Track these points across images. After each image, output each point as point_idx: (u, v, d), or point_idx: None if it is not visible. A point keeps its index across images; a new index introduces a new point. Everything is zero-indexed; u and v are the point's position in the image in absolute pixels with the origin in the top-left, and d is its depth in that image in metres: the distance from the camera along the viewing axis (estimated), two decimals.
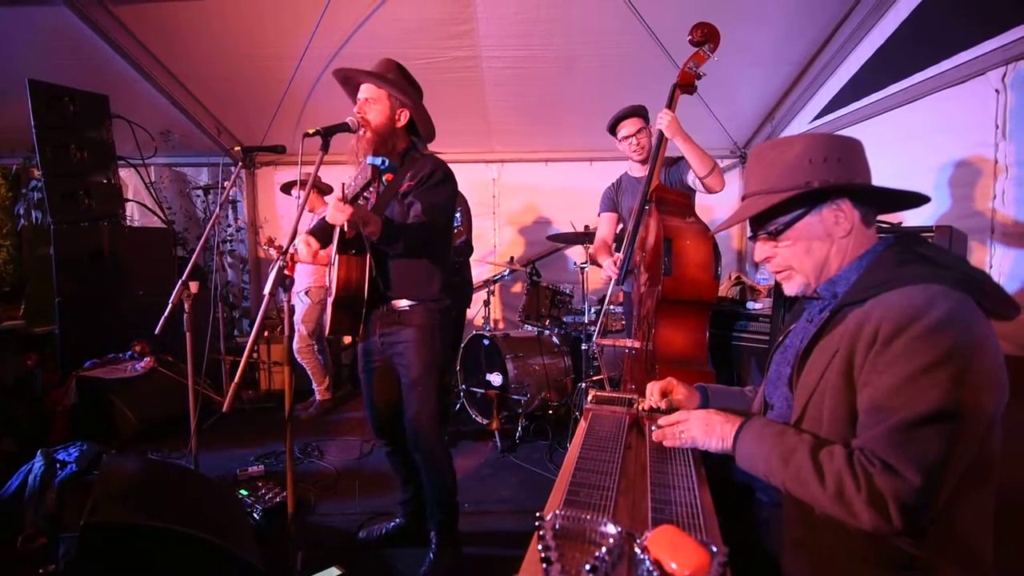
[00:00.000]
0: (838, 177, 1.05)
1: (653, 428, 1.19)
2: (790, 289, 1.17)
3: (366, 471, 2.60)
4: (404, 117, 1.99)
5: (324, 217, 2.21)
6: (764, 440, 1.03)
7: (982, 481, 0.93)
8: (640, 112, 2.73)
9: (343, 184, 1.86)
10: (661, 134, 2.44)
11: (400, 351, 2.01)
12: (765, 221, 1.14)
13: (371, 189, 1.99)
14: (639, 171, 2.83)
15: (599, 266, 2.92)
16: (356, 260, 1.93)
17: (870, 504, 0.86)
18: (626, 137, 2.72)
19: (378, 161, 1.71)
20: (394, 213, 1.97)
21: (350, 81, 2.03)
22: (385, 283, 2.00)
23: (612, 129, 2.77)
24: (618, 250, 2.76)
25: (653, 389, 1.41)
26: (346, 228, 1.75)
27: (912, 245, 1.05)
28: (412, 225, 1.90)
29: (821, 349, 1.05)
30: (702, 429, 1.13)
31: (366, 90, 1.96)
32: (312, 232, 2.16)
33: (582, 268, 3.71)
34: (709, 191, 2.55)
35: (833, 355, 1.00)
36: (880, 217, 1.15)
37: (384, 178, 2.01)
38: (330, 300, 1.97)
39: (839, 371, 0.98)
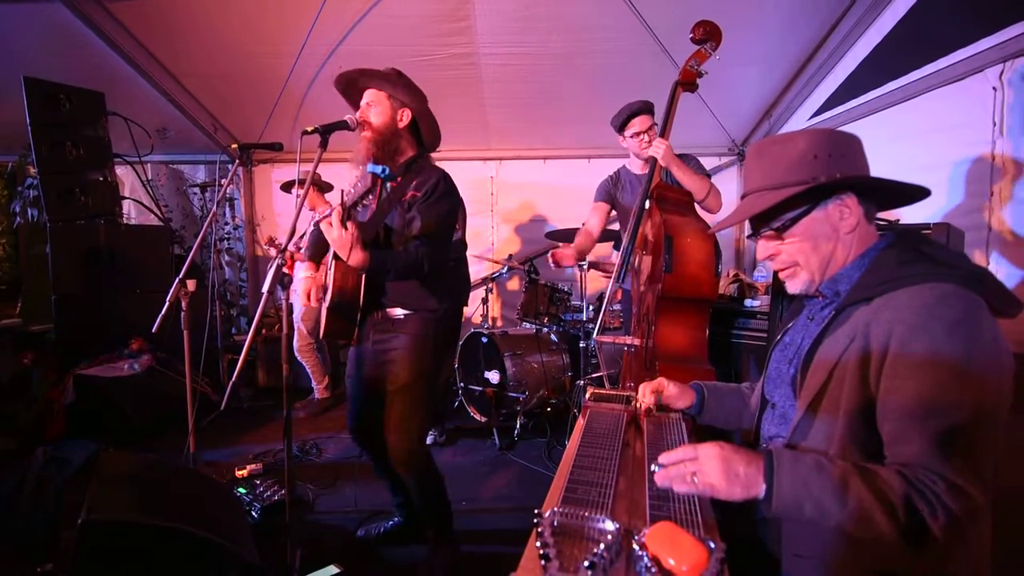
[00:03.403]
0: (842, 172, 1.05)
1: (654, 468, 0.97)
2: (793, 287, 1.15)
3: (365, 469, 2.59)
4: (406, 117, 1.98)
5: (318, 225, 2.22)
6: (803, 481, 0.91)
7: (992, 481, 0.93)
8: (651, 109, 2.69)
9: (343, 191, 1.84)
10: (655, 160, 2.43)
11: (391, 358, 1.98)
12: (770, 218, 1.12)
13: (371, 197, 1.98)
14: (639, 168, 2.81)
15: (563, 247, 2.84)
16: (352, 266, 1.92)
17: (945, 527, 0.83)
18: (637, 134, 2.68)
19: (378, 170, 1.70)
20: (394, 220, 1.96)
21: (352, 87, 2.02)
22: (381, 291, 1.99)
23: (622, 125, 2.71)
24: (617, 248, 2.75)
25: (645, 390, 1.40)
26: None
27: (914, 243, 1.05)
28: (404, 252, 1.86)
29: (826, 348, 1.04)
30: (720, 475, 0.93)
31: (367, 95, 1.97)
32: (311, 247, 2.16)
33: (580, 266, 3.71)
34: (708, 211, 2.55)
35: (841, 354, 0.99)
36: (878, 215, 1.15)
37: (387, 185, 2.01)
38: (325, 305, 1.96)
39: (850, 369, 0.97)
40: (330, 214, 1.71)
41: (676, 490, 0.95)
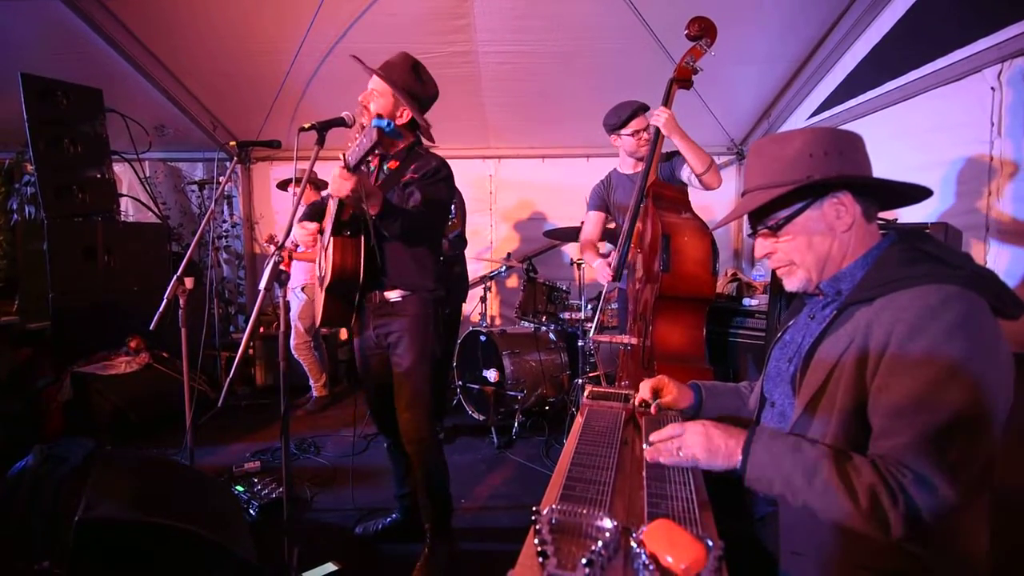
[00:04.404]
0: (839, 171, 1.05)
1: (644, 445, 1.09)
2: (791, 285, 1.15)
3: (362, 467, 2.60)
4: (406, 115, 1.99)
5: (313, 204, 2.22)
6: (778, 457, 0.97)
7: (984, 482, 0.93)
8: (648, 110, 2.71)
9: (343, 154, 1.83)
10: (658, 131, 2.43)
11: (394, 341, 2.02)
12: (765, 216, 1.13)
13: (376, 154, 1.99)
14: (630, 168, 2.81)
15: (590, 265, 2.90)
16: (351, 242, 1.93)
17: (906, 518, 0.84)
18: (636, 131, 2.69)
19: (383, 123, 1.66)
20: (392, 199, 1.97)
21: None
22: (380, 269, 2.00)
23: (624, 123, 2.71)
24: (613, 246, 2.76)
25: (645, 387, 1.40)
26: (348, 200, 1.74)
27: (918, 242, 1.04)
28: (410, 209, 1.91)
29: (827, 347, 1.04)
30: (703, 447, 1.03)
31: (374, 81, 1.98)
32: (304, 218, 2.16)
33: (579, 264, 3.71)
34: (706, 188, 2.54)
35: (841, 354, 0.99)
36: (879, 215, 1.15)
37: (387, 166, 2.02)
38: (323, 288, 1.96)
39: (849, 369, 0.97)
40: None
41: (663, 463, 1.04)
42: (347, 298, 2.00)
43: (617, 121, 2.71)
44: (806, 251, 1.10)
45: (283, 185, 4.36)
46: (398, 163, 2.01)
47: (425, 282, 2.03)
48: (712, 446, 1.02)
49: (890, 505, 0.85)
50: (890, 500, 0.85)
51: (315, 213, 2.16)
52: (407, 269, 2.00)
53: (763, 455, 0.98)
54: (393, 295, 2.02)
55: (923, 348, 0.89)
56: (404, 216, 1.87)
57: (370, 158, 1.97)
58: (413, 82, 2.00)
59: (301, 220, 2.13)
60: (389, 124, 1.66)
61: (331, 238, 1.93)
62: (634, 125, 2.69)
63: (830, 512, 0.91)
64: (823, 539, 0.98)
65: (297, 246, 2.21)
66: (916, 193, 1.07)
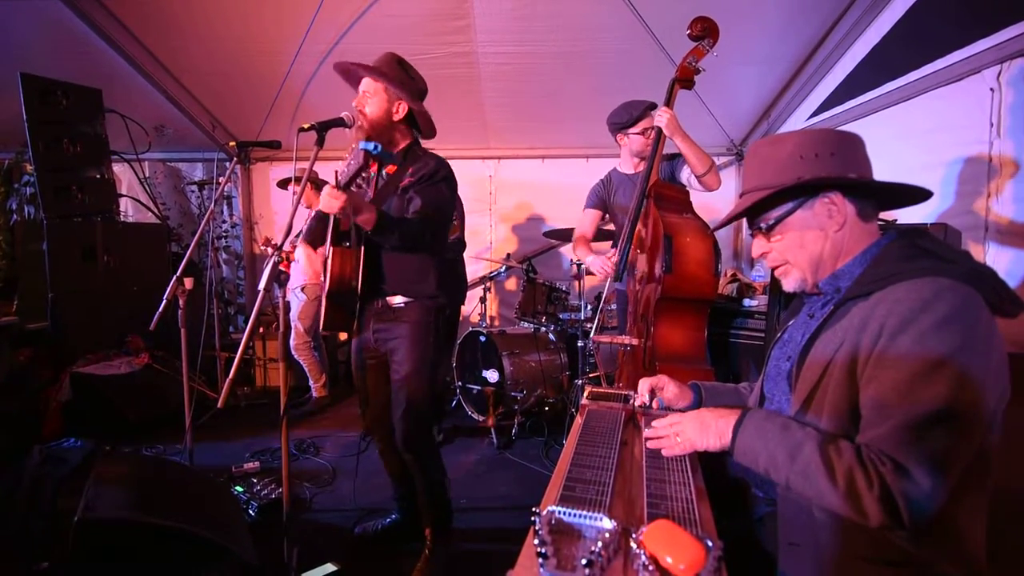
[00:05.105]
0: (830, 172, 1.05)
1: (646, 431, 1.15)
2: (788, 285, 1.17)
3: (362, 468, 2.59)
4: (402, 110, 1.99)
5: (318, 213, 2.22)
6: (766, 434, 1.00)
7: (979, 478, 0.93)
8: (656, 107, 2.67)
9: (336, 172, 1.85)
10: (660, 131, 2.43)
11: (393, 347, 2.01)
12: (759, 217, 1.15)
13: (364, 175, 1.99)
14: (631, 168, 2.80)
15: (583, 260, 2.84)
16: (350, 253, 1.93)
17: (881, 503, 0.84)
18: (646, 129, 2.67)
19: (370, 146, 1.70)
20: (392, 207, 1.96)
21: (351, 75, 2.03)
22: (380, 278, 1.99)
23: (632, 122, 2.69)
24: (613, 245, 2.75)
25: (643, 386, 1.41)
26: (339, 216, 1.74)
27: (916, 239, 1.05)
28: (409, 219, 1.89)
29: (823, 343, 1.04)
30: (697, 430, 1.09)
31: (365, 83, 1.98)
32: (307, 232, 2.17)
33: (578, 265, 3.71)
34: (707, 189, 2.54)
35: (836, 349, 1.00)
36: (880, 216, 1.15)
37: (385, 171, 2.01)
38: (324, 294, 1.97)
39: (843, 365, 0.97)
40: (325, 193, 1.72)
41: (664, 454, 1.11)
42: (347, 305, 2.00)
43: (628, 119, 2.69)
44: (799, 250, 1.12)
45: (283, 184, 4.37)
46: (396, 167, 2.00)
47: (427, 288, 2.01)
48: (704, 428, 1.09)
49: (866, 489, 0.86)
50: (866, 484, 0.86)
51: (321, 223, 2.17)
52: (408, 275, 1.99)
53: (752, 431, 1.03)
54: (395, 300, 2.01)
55: (911, 340, 0.89)
56: (401, 227, 1.85)
57: (370, 162, 1.98)
58: (403, 75, 1.99)
59: (305, 235, 2.14)
60: (376, 147, 1.69)
61: (331, 248, 1.93)
62: (644, 123, 2.67)
63: (809, 491, 0.93)
64: (820, 530, 0.99)
65: (295, 247, 2.22)
66: (915, 193, 1.08)
